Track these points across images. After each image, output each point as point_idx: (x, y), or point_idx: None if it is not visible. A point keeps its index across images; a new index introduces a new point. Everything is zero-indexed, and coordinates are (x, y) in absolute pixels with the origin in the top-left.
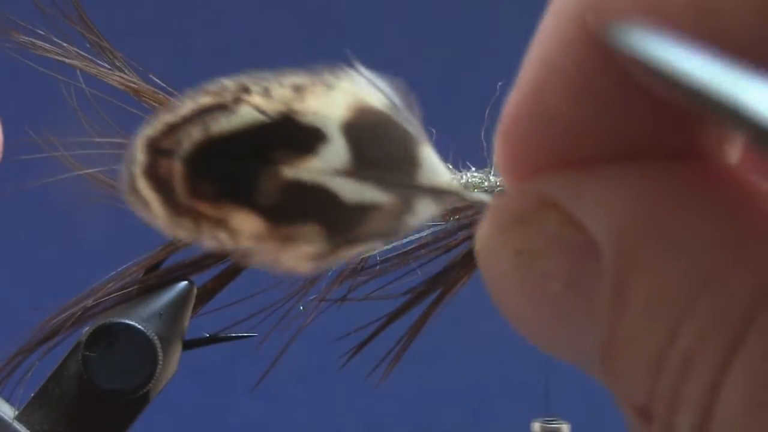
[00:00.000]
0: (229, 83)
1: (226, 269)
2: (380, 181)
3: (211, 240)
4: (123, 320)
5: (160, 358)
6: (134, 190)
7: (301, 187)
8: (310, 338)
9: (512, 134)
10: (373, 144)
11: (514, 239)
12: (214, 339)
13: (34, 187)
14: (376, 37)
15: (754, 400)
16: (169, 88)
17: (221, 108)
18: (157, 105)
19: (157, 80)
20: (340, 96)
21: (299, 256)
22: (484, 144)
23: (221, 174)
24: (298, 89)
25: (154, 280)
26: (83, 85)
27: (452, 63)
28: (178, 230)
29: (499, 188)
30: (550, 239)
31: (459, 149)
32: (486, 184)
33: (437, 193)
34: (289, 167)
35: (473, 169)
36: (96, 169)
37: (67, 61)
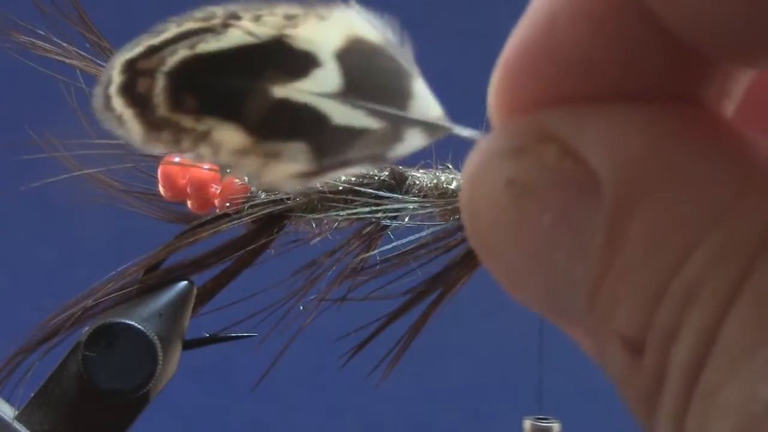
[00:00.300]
0: (217, 10)
1: (226, 269)
2: (371, 108)
3: (191, 153)
4: (123, 320)
5: (160, 358)
6: (108, 107)
7: (289, 106)
8: (310, 338)
9: (517, 64)
10: (367, 72)
11: (508, 169)
12: (214, 339)
13: (34, 187)
14: None
15: (760, 329)
16: None
17: (209, 31)
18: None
19: None
20: (334, 26)
21: (282, 173)
22: None
23: (206, 88)
24: (290, 18)
25: (154, 280)
26: (83, 85)
27: (452, 63)
28: (156, 144)
29: None
30: (546, 171)
31: (459, 149)
32: None
33: (427, 125)
34: (278, 86)
35: None
36: (96, 169)
37: (67, 61)
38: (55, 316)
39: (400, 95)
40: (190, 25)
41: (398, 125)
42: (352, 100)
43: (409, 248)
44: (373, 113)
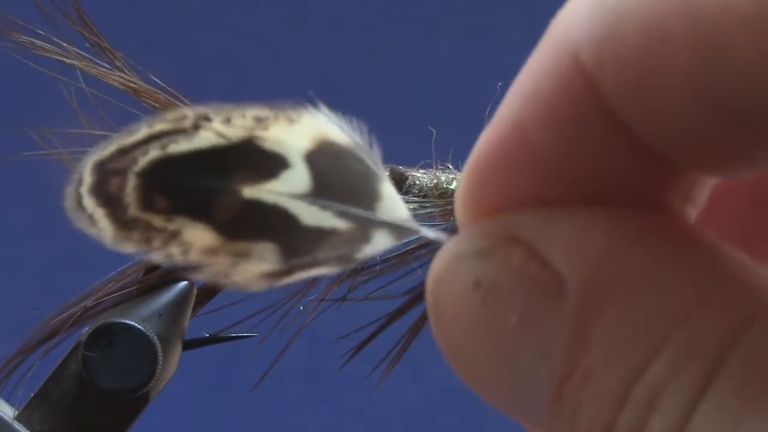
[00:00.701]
0: (188, 111)
1: None
2: (339, 209)
3: (161, 253)
4: (123, 320)
5: (160, 358)
6: (79, 207)
7: (259, 206)
8: (310, 338)
9: (485, 167)
10: (335, 174)
11: (474, 270)
12: (214, 339)
13: (34, 186)
14: (377, 37)
15: None
16: (169, 88)
17: (180, 132)
18: (156, 105)
19: (157, 80)
20: (303, 128)
21: (251, 273)
22: None
23: (177, 188)
24: (260, 120)
25: (154, 280)
26: (83, 85)
27: (453, 63)
28: (126, 244)
29: None
30: (512, 273)
31: (459, 149)
32: None
33: (395, 226)
34: (248, 187)
35: None
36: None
37: (67, 61)
38: (55, 316)
39: (367, 196)
40: (161, 126)
41: (366, 226)
42: (321, 201)
43: (409, 248)
44: (342, 214)
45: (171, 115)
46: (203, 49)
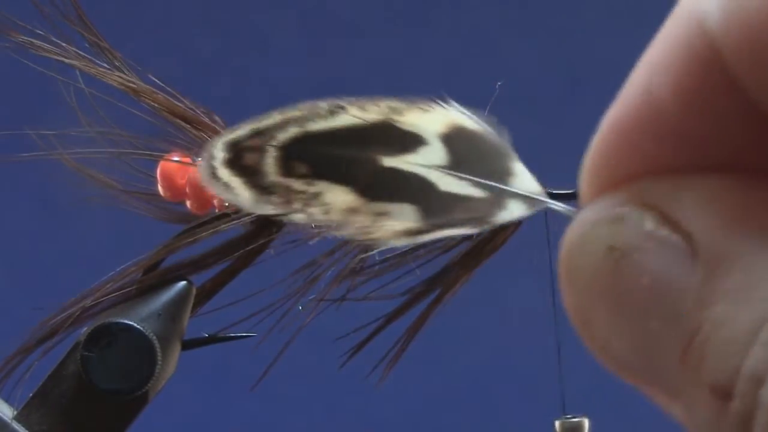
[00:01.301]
0: (322, 103)
1: (225, 269)
2: (476, 181)
3: (302, 212)
4: (122, 320)
5: (159, 358)
6: (215, 177)
7: (398, 174)
8: (310, 338)
9: (613, 140)
10: (470, 153)
11: (608, 236)
12: (213, 339)
13: (34, 186)
14: (377, 37)
15: None
16: (169, 89)
17: (316, 116)
18: (156, 105)
19: (156, 80)
20: (437, 116)
21: (391, 230)
22: None
23: (317, 157)
24: (394, 109)
25: (153, 280)
26: (83, 85)
27: (453, 62)
28: (266, 206)
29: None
30: (645, 236)
31: None
32: None
33: (527, 198)
34: (387, 158)
35: None
36: (95, 169)
37: (66, 61)
38: (54, 316)
39: (501, 172)
40: (295, 113)
41: (500, 196)
42: (458, 173)
43: (409, 248)
44: (477, 185)
45: (304, 106)
46: (203, 49)
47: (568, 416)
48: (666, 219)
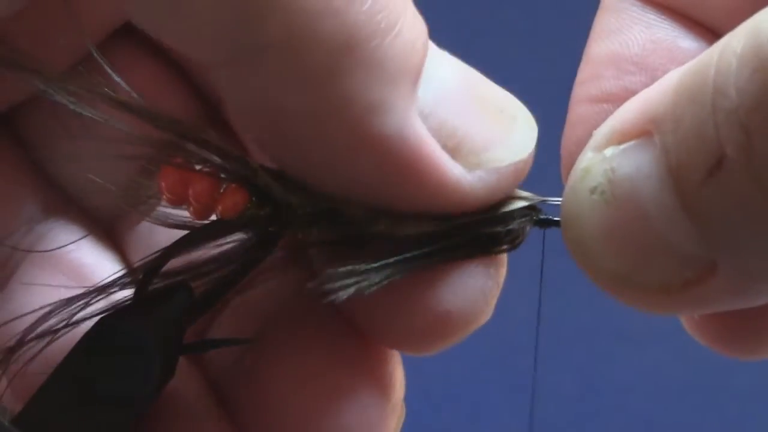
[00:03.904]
0: None
1: (224, 276)
2: None
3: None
4: (121, 323)
5: (158, 362)
6: None
7: None
8: None
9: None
10: None
11: (586, 185)
12: (211, 344)
13: None
14: None
15: None
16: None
17: None
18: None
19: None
20: None
21: None
22: None
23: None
24: None
25: (153, 284)
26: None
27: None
28: None
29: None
30: (609, 164)
31: None
32: None
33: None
34: None
35: None
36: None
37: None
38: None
39: None
40: None
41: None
42: None
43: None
44: None
45: None
46: None
47: None
48: (616, 141)
